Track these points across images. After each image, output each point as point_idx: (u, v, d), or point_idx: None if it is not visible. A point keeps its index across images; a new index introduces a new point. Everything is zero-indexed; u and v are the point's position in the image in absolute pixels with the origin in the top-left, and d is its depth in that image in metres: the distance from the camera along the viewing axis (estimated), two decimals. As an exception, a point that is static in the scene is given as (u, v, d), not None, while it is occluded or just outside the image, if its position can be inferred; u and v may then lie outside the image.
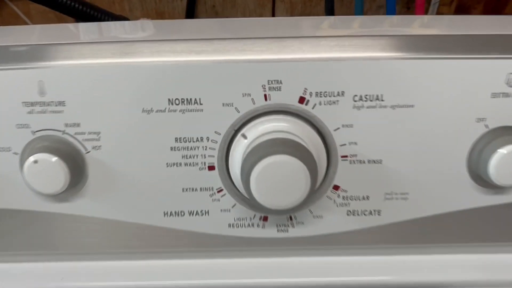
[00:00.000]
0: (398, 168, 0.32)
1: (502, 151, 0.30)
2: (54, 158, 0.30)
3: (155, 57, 0.30)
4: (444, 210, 0.33)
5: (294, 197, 0.29)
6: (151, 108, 0.30)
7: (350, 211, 0.34)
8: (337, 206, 0.33)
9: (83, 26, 0.44)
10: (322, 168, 0.32)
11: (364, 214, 0.34)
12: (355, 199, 0.33)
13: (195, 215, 0.34)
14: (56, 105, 0.30)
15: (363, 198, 0.33)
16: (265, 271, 0.36)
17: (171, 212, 0.33)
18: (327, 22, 0.39)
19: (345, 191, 0.33)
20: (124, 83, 0.30)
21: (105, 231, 0.34)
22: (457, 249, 0.35)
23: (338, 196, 0.33)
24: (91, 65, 0.30)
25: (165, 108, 0.30)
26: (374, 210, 0.34)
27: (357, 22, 0.39)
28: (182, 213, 0.34)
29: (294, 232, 0.34)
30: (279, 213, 0.33)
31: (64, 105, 0.30)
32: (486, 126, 0.31)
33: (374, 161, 0.32)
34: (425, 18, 0.38)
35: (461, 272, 0.35)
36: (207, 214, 0.34)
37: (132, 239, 0.34)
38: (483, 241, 0.35)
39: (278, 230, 0.34)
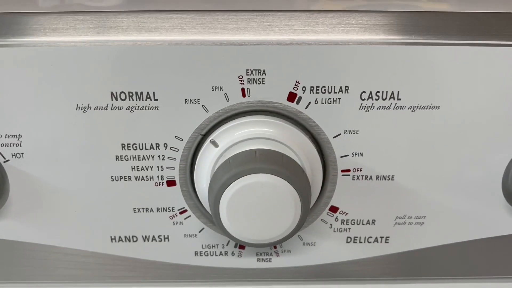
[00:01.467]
0: (414, 186, 0.25)
1: (552, 168, 0.23)
2: (-42, 170, 0.23)
3: (92, 36, 0.22)
4: (468, 237, 0.27)
5: (278, 229, 0.22)
6: (88, 104, 0.23)
7: (350, 238, 0.26)
8: (334, 231, 0.26)
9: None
10: (317, 186, 0.24)
11: (368, 242, 0.27)
12: (357, 224, 0.26)
13: (152, 241, 0.26)
14: (-42, 98, 0.23)
15: (368, 223, 0.26)
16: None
17: (120, 237, 0.26)
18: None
19: (345, 213, 0.26)
20: (52, 70, 0.22)
21: (37, 259, 0.27)
22: (482, 280, 0.28)
23: (336, 219, 0.26)
24: (5, 44, 0.22)
25: (107, 104, 0.23)
26: (381, 237, 0.27)
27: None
28: (135, 239, 0.26)
29: (279, 262, 0.27)
30: (260, 246, 0.25)
31: (-30, 98, 0.23)
32: (532, 134, 0.24)
33: (384, 177, 0.25)
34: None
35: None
36: (166, 240, 0.26)
37: (72, 268, 0.27)
38: (514, 274, 0.28)
39: (258, 260, 0.27)
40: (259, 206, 0.21)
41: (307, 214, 0.22)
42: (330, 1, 0.32)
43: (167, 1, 0.25)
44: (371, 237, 0.27)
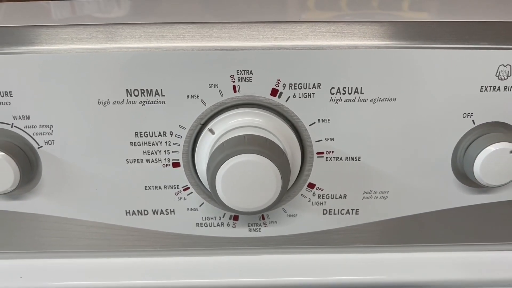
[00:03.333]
0: (378, 166, 0.30)
1: (489, 149, 0.28)
2: (1, 154, 0.28)
3: (111, 43, 0.27)
4: (425, 210, 0.32)
5: (263, 200, 0.27)
6: (108, 100, 0.28)
7: (326, 210, 0.31)
8: (312, 204, 0.31)
9: (50, 4, 0.40)
10: (296, 166, 0.29)
11: (341, 213, 0.32)
12: (331, 198, 0.31)
13: (160, 214, 0.31)
14: (2, 96, 0.27)
15: (340, 197, 0.31)
16: (236, 270, 0.33)
17: (133, 211, 0.31)
18: (308, 4, 0.36)
19: (321, 189, 0.31)
20: (77, 72, 0.27)
21: (63, 230, 0.32)
22: (437, 248, 0.33)
23: (314, 194, 0.31)
24: (40, 51, 0.27)
25: (123, 99, 0.28)
26: (352, 209, 0.31)
27: (341, 5, 0.36)
28: (146, 212, 0.31)
29: (267, 231, 0.32)
30: (249, 213, 0.30)
31: (11, 96, 0.28)
32: (473, 121, 0.29)
33: (352, 158, 0.30)
34: (414, 0, 0.35)
35: (440, 272, 0.33)
36: (172, 213, 0.31)
37: (92, 238, 0.32)
38: (465, 241, 0.33)
39: (249, 230, 0.32)
40: (247, 180, 0.26)
41: (287, 187, 0.27)
42: (319, 10, 0.37)
43: (172, 14, 0.30)
44: (343, 209, 0.31)
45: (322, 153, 0.29)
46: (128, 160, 0.29)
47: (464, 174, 0.30)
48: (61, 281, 0.33)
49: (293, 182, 0.30)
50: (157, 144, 0.29)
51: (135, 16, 0.32)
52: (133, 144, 0.29)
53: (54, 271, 0.33)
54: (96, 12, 0.34)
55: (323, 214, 0.32)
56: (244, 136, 0.27)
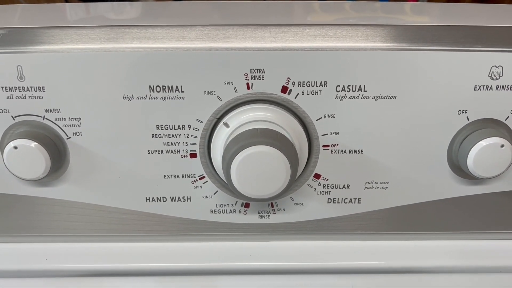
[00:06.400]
0: (379, 158, 0.32)
1: (481, 143, 0.30)
2: (34, 144, 0.30)
3: (135, 43, 0.29)
4: (423, 199, 0.34)
5: (273, 187, 0.29)
6: (132, 95, 0.30)
7: (330, 199, 0.34)
8: (317, 194, 0.34)
9: (68, 6, 0.43)
10: (304, 157, 0.32)
11: (345, 202, 0.34)
12: (335, 188, 0.33)
13: (177, 201, 0.34)
14: (35, 91, 0.30)
15: (344, 187, 0.33)
16: (247, 255, 0.36)
17: (153, 198, 0.34)
18: (314, 7, 0.39)
19: (326, 179, 0.33)
20: (105, 69, 0.29)
21: (87, 215, 0.34)
22: (434, 236, 0.36)
23: (319, 184, 0.33)
24: (71, 50, 0.29)
25: (146, 95, 0.30)
26: (355, 198, 0.34)
27: (346, 8, 0.39)
28: (164, 199, 0.34)
29: (275, 218, 0.35)
30: (261, 200, 0.33)
31: (44, 91, 0.30)
32: (467, 118, 0.31)
33: (355, 151, 0.32)
34: (415, 5, 0.37)
35: (436, 257, 0.36)
36: (189, 200, 0.34)
37: (114, 223, 0.35)
38: (459, 229, 0.35)
39: (259, 216, 0.35)
40: (259, 170, 0.29)
41: (295, 177, 0.30)
42: (324, 12, 0.39)
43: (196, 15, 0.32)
44: (346, 198, 0.34)
45: (328, 146, 0.32)
46: (149, 151, 0.32)
47: (458, 167, 0.32)
48: (84, 263, 0.36)
49: (300, 172, 0.32)
50: (176, 136, 0.31)
51: (141, 20, 0.34)
52: (154, 136, 0.31)
53: (78, 254, 0.36)
54: (113, 14, 0.36)
55: (328, 202, 0.34)
56: (257, 129, 0.29)
